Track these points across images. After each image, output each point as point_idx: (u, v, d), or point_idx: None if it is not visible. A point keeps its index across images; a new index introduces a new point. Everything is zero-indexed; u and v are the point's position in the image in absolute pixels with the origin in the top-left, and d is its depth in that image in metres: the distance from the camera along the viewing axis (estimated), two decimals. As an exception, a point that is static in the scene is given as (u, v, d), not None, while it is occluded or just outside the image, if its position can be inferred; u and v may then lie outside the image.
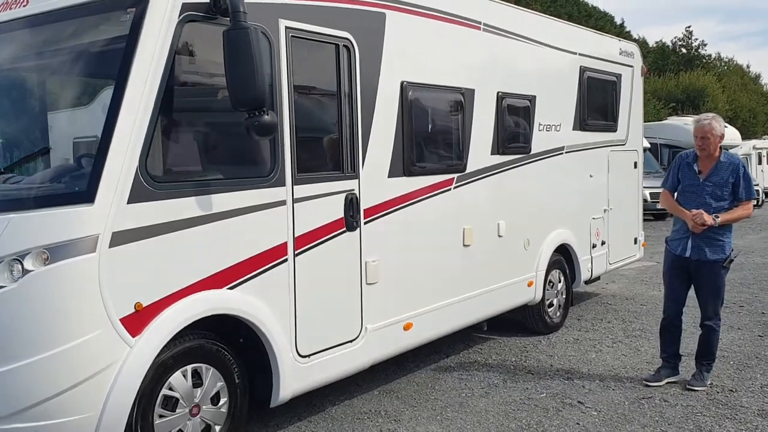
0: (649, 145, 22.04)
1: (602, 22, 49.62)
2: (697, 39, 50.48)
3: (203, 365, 4.14)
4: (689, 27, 54.22)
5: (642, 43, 53.70)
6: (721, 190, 5.56)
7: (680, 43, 47.78)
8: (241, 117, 3.87)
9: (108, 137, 3.55)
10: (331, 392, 5.65)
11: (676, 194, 5.87)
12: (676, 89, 37.45)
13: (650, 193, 20.77)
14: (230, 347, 4.32)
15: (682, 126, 23.97)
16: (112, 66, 3.69)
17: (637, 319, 8.21)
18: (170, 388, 3.97)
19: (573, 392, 5.72)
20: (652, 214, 21.28)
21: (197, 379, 4.12)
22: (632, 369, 6.31)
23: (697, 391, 5.68)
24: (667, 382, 5.85)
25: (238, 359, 4.36)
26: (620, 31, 52.03)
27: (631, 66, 9.05)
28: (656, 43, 51.95)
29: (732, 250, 5.70)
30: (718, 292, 5.69)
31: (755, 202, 5.51)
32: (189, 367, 4.06)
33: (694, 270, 5.71)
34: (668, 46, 47.52)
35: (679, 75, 39.83)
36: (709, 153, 5.56)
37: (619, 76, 8.73)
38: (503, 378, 6.09)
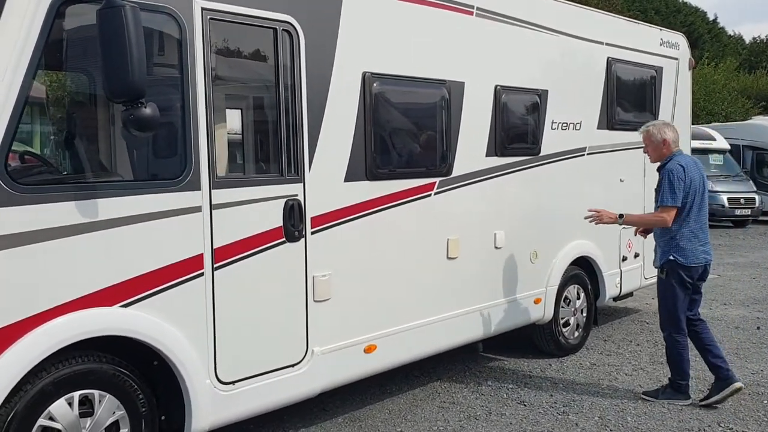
0: (729, 147, 20.44)
1: (692, 18, 47.30)
2: (796, 33, 47.18)
3: (96, 391, 3.65)
4: (787, 21, 50.56)
5: (737, 40, 50.76)
6: (654, 196, 5.47)
7: (775, 38, 44.77)
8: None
9: (-44, 133, 3.11)
10: (290, 417, 5.11)
11: None
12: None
13: (728, 198, 19.28)
14: (140, 371, 3.83)
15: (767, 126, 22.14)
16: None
17: (672, 342, 7.27)
18: (50, 418, 3.49)
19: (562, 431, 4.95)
20: (731, 220, 19.74)
21: (88, 407, 3.64)
22: (643, 404, 5.45)
23: (646, 400, 5.49)
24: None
25: (147, 385, 3.86)
26: (712, 27, 49.49)
27: (676, 58, 8.08)
28: (753, 38, 48.96)
29: (668, 260, 5.31)
30: (661, 302, 5.46)
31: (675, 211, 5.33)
32: (76, 394, 3.57)
33: None
34: (763, 40, 44.59)
35: (772, 72, 37.18)
36: (656, 159, 5.50)
37: (659, 69, 7.78)
38: (489, 409, 5.37)
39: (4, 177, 3.20)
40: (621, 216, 5.47)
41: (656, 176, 7.69)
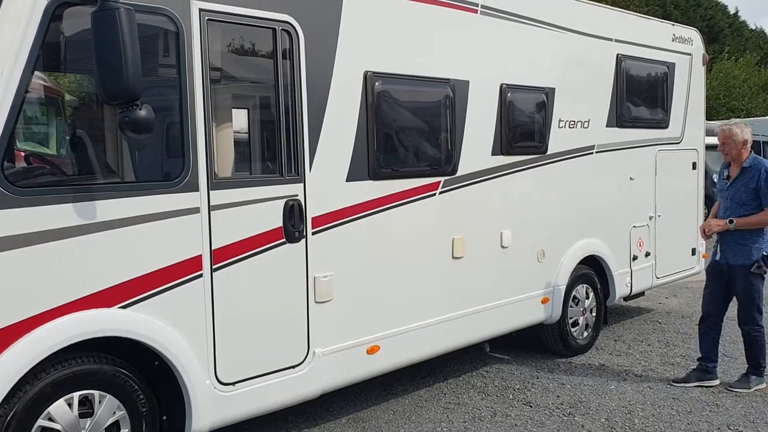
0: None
1: (712, 12, 46.70)
2: (820, 27, 46.38)
3: (96, 392, 3.67)
4: (811, 14, 49.66)
5: (759, 34, 50.00)
6: (743, 195, 5.56)
7: (799, 31, 43.99)
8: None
9: (-48, 136, 3.13)
10: (294, 417, 5.11)
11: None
12: (790, 82, 34.42)
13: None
14: (141, 372, 3.85)
15: (789, 122, 21.79)
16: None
17: (684, 342, 7.19)
18: (49, 419, 3.51)
19: (567, 433, 4.91)
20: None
21: (89, 408, 3.66)
22: (651, 406, 5.40)
23: (737, 392, 5.64)
24: (696, 386, 5.80)
25: (148, 385, 3.87)
26: (733, 21, 48.81)
27: (689, 54, 7.97)
28: (776, 31, 48.19)
29: (763, 256, 5.55)
30: (751, 298, 5.63)
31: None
32: (76, 395, 3.60)
33: (727, 274, 5.70)
34: (785, 34, 43.88)
35: (794, 66, 36.60)
36: (732, 158, 5.65)
37: (671, 66, 7.68)
38: (493, 410, 5.33)
39: (1, 180, 3.22)
40: (731, 221, 5.57)
41: (676, 174, 7.72)
